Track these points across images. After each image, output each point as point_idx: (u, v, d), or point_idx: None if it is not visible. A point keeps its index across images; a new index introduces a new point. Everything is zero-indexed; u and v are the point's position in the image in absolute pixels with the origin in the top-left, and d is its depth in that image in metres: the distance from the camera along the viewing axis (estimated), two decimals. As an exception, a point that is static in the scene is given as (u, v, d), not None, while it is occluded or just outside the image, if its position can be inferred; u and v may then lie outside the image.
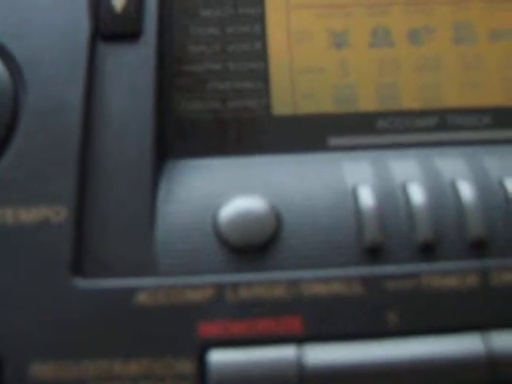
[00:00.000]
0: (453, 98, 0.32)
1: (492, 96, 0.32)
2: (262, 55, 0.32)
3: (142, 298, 0.26)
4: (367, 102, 0.32)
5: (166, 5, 0.33)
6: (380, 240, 0.27)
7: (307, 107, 0.32)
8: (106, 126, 0.29)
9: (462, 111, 0.32)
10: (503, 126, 0.32)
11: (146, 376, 0.25)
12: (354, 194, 0.28)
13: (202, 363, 0.26)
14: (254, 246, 0.27)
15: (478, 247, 0.27)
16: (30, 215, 0.27)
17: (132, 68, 0.31)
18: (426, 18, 0.33)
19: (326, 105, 0.32)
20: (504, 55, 0.33)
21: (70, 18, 0.31)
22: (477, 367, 0.25)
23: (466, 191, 0.28)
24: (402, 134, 0.31)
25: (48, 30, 0.31)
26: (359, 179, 0.29)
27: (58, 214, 0.27)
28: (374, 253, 0.27)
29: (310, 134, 0.31)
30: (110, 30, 0.31)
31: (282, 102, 0.32)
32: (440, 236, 0.27)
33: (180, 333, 0.26)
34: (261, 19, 0.33)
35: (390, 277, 0.26)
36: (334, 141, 0.31)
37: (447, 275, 0.27)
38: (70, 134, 0.29)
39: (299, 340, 0.26)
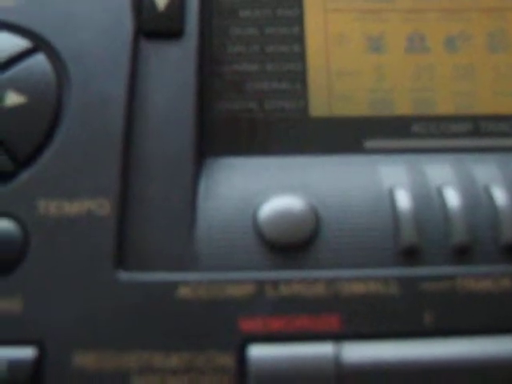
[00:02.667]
0: (486, 105, 0.33)
1: (525, 104, 0.33)
2: (300, 57, 0.33)
3: (183, 292, 0.27)
4: (402, 107, 0.33)
5: (207, 5, 0.34)
6: (416, 242, 0.28)
7: (343, 109, 0.33)
8: (148, 123, 0.31)
9: (495, 118, 0.33)
10: (535, 133, 0.33)
11: (187, 369, 0.26)
12: (391, 196, 0.29)
13: (241, 357, 0.27)
14: (294, 244, 0.28)
15: (511, 251, 0.28)
16: (73, 208, 0.29)
17: (174, 66, 0.32)
18: (462, 25, 0.34)
19: (361, 108, 0.33)
20: (537, 64, 0.34)
21: (113, 14, 0.32)
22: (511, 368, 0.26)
23: (500, 196, 0.29)
24: (436, 138, 0.32)
25: (92, 27, 0.32)
26: (395, 182, 0.30)
27: (101, 206, 0.28)
28: (411, 254, 0.28)
29: (347, 136, 0.32)
30: (152, 28, 0.32)
31: (319, 104, 0.33)
32: (474, 239, 0.28)
33: (220, 327, 0.27)
34: (299, 21, 0.34)
35: (426, 278, 0.28)
36: (369, 143, 0.32)
37: (481, 278, 0.28)
38: (113, 130, 0.30)
39: (337, 337, 0.27)
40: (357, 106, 0.33)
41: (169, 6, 0.32)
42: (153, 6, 0.32)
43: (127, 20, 0.32)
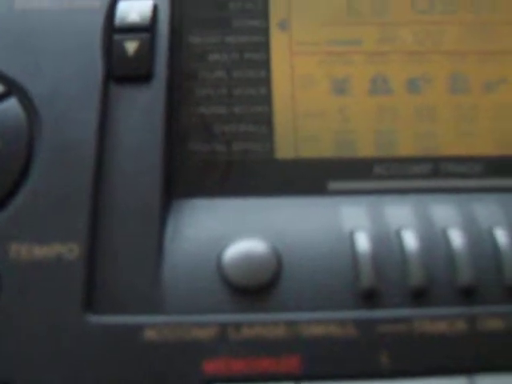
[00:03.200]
0: (447, 147, 0.35)
1: (484, 145, 0.35)
2: (267, 100, 0.35)
3: (149, 335, 0.29)
4: (365, 148, 0.34)
5: (176, 49, 0.35)
6: (374, 285, 0.29)
7: (308, 151, 0.34)
8: (118, 165, 0.32)
9: (455, 159, 0.34)
10: (494, 174, 0.34)
11: (152, 409, 0.28)
12: (351, 239, 0.31)
13: (205, 398, 0.28)
14: (256, 287, 0.29)
15: (467, 294, 0.30)
16: (43, 252, 0.30)
17: (143, 109, 0.33)
18: (424, 67, 0.36)
19: (326, 149, 0.34)
20: (496, 106, 0.36)
21: (84, 59, 0.34)
22: None
23: (457, 239, 0.31)
24: (397, 179, 0.34)
25: (63, 71, 0.33)
26: (356, 224, 0.31)
27: (71, 250, 0.30)
28: (369, 297, 0.29)
29: (311, 177, 0.34)
30: (122, 72, 0.34)
31: (285, 146, 0.34)
32: (431, 282, 0.30)
33: (185, 368, 0.28)
34: (266, 65, 0.36)
35: (383, 321, 0.29)
36: (333, 185, 0.34)
37: (437, 320, 0.29)
38: (83, 173, 0.31)
39: (297, 378, 0.28)
40: (321, 147, 0.34)
41: (138, 51, 0.34)
42: (123, 50, 0.34)
43: (98, 65, 0.33)
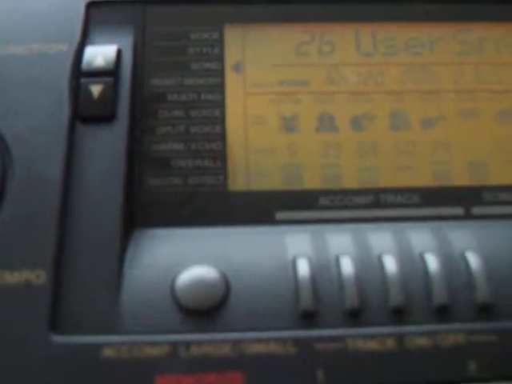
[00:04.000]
0: (387, 179, 0.39)
1: (422, 178, 0.39)
2: (221, 137, 0.39)
3: (107, 353, 0.32)
4: (312, 181, 0.38)
5: (138, 91, 0.39)
6: (312, 307, 0.33)
7: (259, 184, 0.38)
8: (82, 199, 0.36)
9: (394, 191, 0.38)
10: (430, 204, 0.38)
11: (109, 421, 0.31)
12: (294, 265, 0.35)
13: (156, 411, 0.32)
14: (205, 309, 0.33)
15: (397, 315, 0.34)
16: (13, 278, 0.34)
17: (106, 147, 0.37)
18: (367, 106, 0.40)
19: (275, 182, 0.38)
20: (434, 141, 0.40)
21: (53, 100, 0.38)
22: None
23: (390, 264, 0.35)
24: (340, 210, 0.38)
25: (34, 112, 0.37)
26: (299, 251, 0.35)
27: (38, 277, 0.34)
28: (307, 318, 0.33)
29: (260, 208, 0.38)
30: (87, 113, 0.38)
31: (237, 180, 0.38)
32: (365, 304, 0.34)
33: (140, 384, 0.32)
34: (221, 104, 0.39)
35: (320, 339, 0.33)
36: (280, 215, 0.37)
37: (369, 339, 0.33)
38: (50, 206, 0.35)
39: None
40: (271, 180, 0.38)
41: (102, 94, 0.38)
42: (88, 93, 0.38)
43: (65, 106, 0.37)
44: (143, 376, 0.32)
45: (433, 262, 0.34)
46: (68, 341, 0.32)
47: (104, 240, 0.34)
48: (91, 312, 0.33)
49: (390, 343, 0.33)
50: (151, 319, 0.33)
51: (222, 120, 0.39)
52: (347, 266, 0.34)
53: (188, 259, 0.35)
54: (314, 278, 0.34)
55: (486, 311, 0.34)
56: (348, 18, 0.42)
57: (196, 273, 0.34)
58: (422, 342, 0.33)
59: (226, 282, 0.34)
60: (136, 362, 0.32)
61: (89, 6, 0.41)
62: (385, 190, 0.38)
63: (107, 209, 0.35)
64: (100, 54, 0.39)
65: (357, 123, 0.39)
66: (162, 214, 0.37)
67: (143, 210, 0.37)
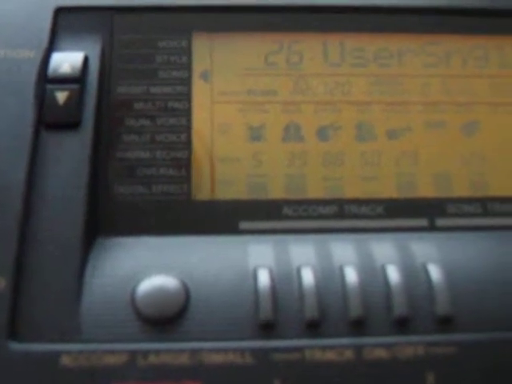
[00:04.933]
0: (351, 190, 0.39)
1: (386, 189, 0.39)
2: (187, 145, 0.39)
3: (65, 361, 0.32)
4: (276, 191, 0.39)
5: (104, 98, 0.40)
6: (272, 318, 0.33)
7: (224, 193, 0.38)
8: (45, 206, 0.36)
9: (359, 202, 0.39)
10: (394, 215, 0.39)
11: (65, 429, 0.32)
12: (254, 275, 0.35)
13: (113, 419, 0.32)
14: (165, 318, 0.33)
15: (357, 326, 0.34)
16: (-27, 284, 0.34)
17: (71, 154, 0.37)
18: (333, 116, 0.40)
19: (240, 192, 0.38)
20: (399, 152, 0.40)
21: (18, 106, 0.38)
22: None
23: (351, 275, 0.35)
24: (304, 220, 0.38)
25: (-2, 118, 0.37)
26: (260, 261, 0.36)
27: None
28: (266, 328, 0.34)
29: (224, 218, 0.38)
30: (52, 120, 0.38)
31: (202, 188, 0.38)
32: (325, 315, 0.34)
33: (96, 392, 0.32)
34: (187, 113, 0.40)
35: (278, 350, 0.33)
36: (244, 225, 0.38)
37: (328, 350, 0.33)
38: (12, 213, 0.35)
39: None
40: (236, 190, 0.38)
41: (68, 100, 0.38)
42: (54, 100, 0.38)
43: (30, 112, 0.37)
44: (100, 383, 0.32)
45: (394, 274, 0.35)
46: (26, 348, 0.32)
47: (66, 248, 0.35)
48: (50, 320, 0.33)
49: (348, 354, 0.33)
50: (110, 328, 0.33)
51: (188, 128, 0.39)
52: (308, 277, 0.34)
53: (149, 268, 0.35)
54: (274, 289, 0.34)
55: (445, 323, 0.34)
56: (317, 28, 0.42)
57: (156, 282, 0.34)
58: (381, 353, 0.33)
59: (186, 292, 0.34)
60: (93, 370, 0.32)
61: (57, 12, 0.41)
62: (349, 201, 0.38)
63: (70, 216, 0.35)
64: (67, 60, 0.39)
65: (323, 133, 0.40)
66: (126, 223, 0.37)
67: (107, 218, 0.37)
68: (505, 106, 0.41)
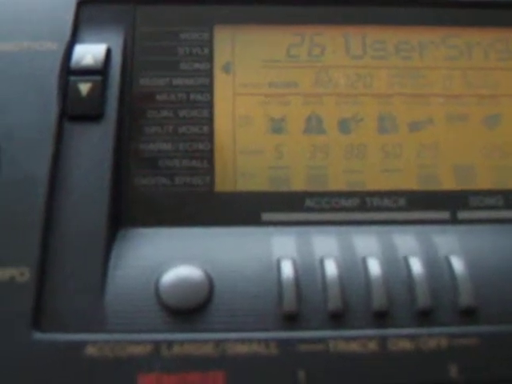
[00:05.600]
0: (373, 182, 0.39)
1: (408, 181, 0.39)
2: (209, 137, 0.39)
3: (90, 351, 0.33)
4: (298, 183, 0.39)
5: (127, 90, 0.40)
6: (296, 309, 0.34)
7: (246, 185, 0.39)
8: (68, 197, 0.36)
9: (381, 194, 0.39)
10: (416, 208, 0.39)
11: (91, 418, 0.32)
12: (278, 267, 0.35)
13: (138, 409, 0.32)
14: (189, 309, 0.34)
15: (380, 318, 0.34)
16: (-2, 275, 0.34)
17: (94, 146, 0.37)
18: (355, 109, 0.40)
19: (262, 184, 0.39)
20: (420, 144, 0.40)
21: (41, 98, 0.38)
22: None
23: (374, 267, 0.35)
24: (326, 212, 0.38)
25: (22, 110, 0.37)
26: (284, 253, 0.36)
27: (22, 274, 0.34)
28: (290, 320, 0.34)
29: (247, 209, 0.38)
30: (75, 112, 0.38)
31: (224, 180, 0.38)
32: (348, 307, 0.34)
33: (122, 382, 0.32)
34: (209, 105, 0.40)
35: (302, 341, 0.33)
36: (266, 216, 0.38)
37: (351, 341, 0.33)
38: (36, 205, 0.35)
39: None
40: (258, 182, 0.39)
41: (91, 92, 0.38)
42: (77, 91, 0.38)
43: (53, 104, 0.38)
44: (125, 374, 0.32)
45: (417, 266, 0.35)
46: (50, 338, 0.32)
47: (89, 239, 0.35)
48: (75, 310, 0.33)
49: (372, 346, 0.33)
50: (135, 318, 0.33)
51: (210, 120, 0.39)
52: (331, 269, 0.34)
53: (173, 259, 0.35)
54: (297, 280, 0.34)
55: (468, 315, 0.34)
56: (338, 20, 0.42)
57: (180, 273, 0.34)
58: (405, 344, 0.33)
59: (209, 283, 0.34)
60: (118, 360, 0.32)
61: (79, 5, 0.41)
62: (371, 193, 0.38)
63: (93, 208, 0.36)
64: (89, 52, 0.39)
65: (345, 125, 0.40)
66: (149, 214, 0.37)
67: (130, 209, 0.37)
68: (526, 98, 0.41)
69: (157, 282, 0.34)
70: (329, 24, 0.42)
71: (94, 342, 0.32)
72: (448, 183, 0.39)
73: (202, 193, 0.38)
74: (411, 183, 0.39)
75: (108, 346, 0.32)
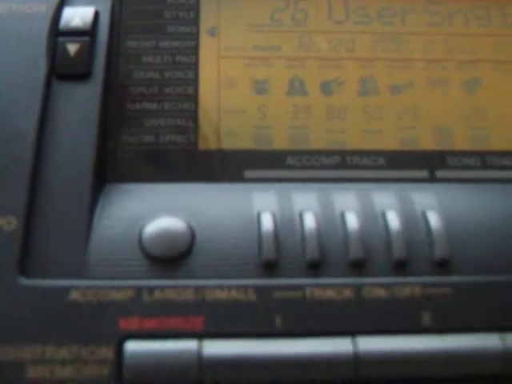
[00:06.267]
0: (354, 142, 0.40)
1: (388, 141, 0.40)
2: (194, 98, 0.41)
3: (74, 296, 0.34)
4: (280, 142, 0.40)
5: (114, 51, 0.41)
6: (274, 258, 0.35)
7: (229, 144, 0.40)
8: (56, 152, 0.37)
9: (360, 153, 0.40)
10: (395, 167, 0.40)
11: (73, 360, 0.33)
12: (258, 219, 0.36)
13: (119, 351, 0.33)
14: (170, 258, 0.35)
15: (356, 267, 0.35)
16: (-15, 223, 0.35)
17: (81, 104, 0.39)
18: (337, 72, 0.42)
19: (245, 142, 0.40)
20: (401, 107, 0.41)
21: (30, 58, 0.39)
22: (344, 366, 0.33)
23: (352, 220, 0.36)
24: (307, 169, 0.39)
25: (10, 68, 0.39)
26: (264, 207, 0.37)
27: (9, 223, 0.35)
28: (269, 268, 0.35)
29: (230, 167, 0.39)
30: (63, 71, 0.39)
31: (208, 139, 0.40)
32: (325, 257, 0.35)
33: (103, 325, 0.33)
34: (195, 67, 0.41)
35: (279, 288, 0.34)
36: (249, 174, 0.39)
37: (327, 288, 0.35)
38: (24, 158, 0.37)
39: (201, 336, 0.34)
40: (241, 140, 0.40)
41: (79, 52, 0.39)
42: (65, 51, 0.39)
43: (42, 63, 0.39)
44: (107, 318, 0.33)
45: (394, 220, 0.36)
46: (36, 284, 0.34)
47: (75, 191, 0.36)
48: (60, 258, 0.35)
49: (347, 293, 0.34)
50: (118, 266, 0.34)
51: (195, 82, 0.40)
52: (310, 221, 0.36)
53: (156, 211, 0.36)
54: (277, 231, 0.35)
55: (442, 266, 0.35)
56: (322, -13, 0.43)
57: (163, 223, 0.35)
58: (379, 292, 0.34)
59: (191, 233, 0.35)
60: (101, 305, 0.33)
61: (69, -31, 0.42)
62: (351, 152, 0.40)
63: (80, 162, 0.37)
64: (78, 14, 0.40)
65: (327, 88, 0.41)
66: (134, 170, 0.39)
67: (115, 165, 0.39)
68: (506, 63, 0.42)
69: (140, 231, 0.35)
70: (313, -10, 0.43)
71: (78, 288, 0.34)
72: (427, 144, 0.40)
73: (186, 150, 0.39)
74: (391, 143, 0.40)
75: (91, 292, 0.34)
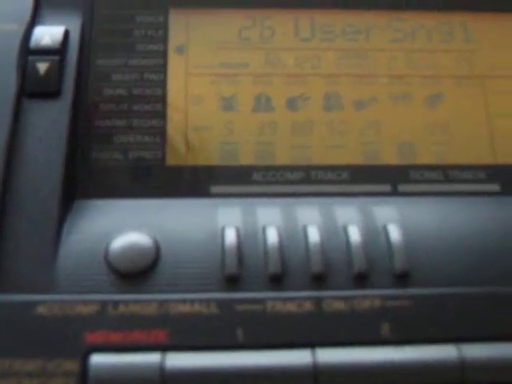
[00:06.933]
0: (319, 157, 0.41)
1: (352, 156, 0.42)
2: (162, 114, 0.42)
3: (41, 310, 0.35)
4: (246, 157, 0.41)
5: (84, 70, 0.42)
6: (236, 272, 0.36)
7: (196, 160, 0.41)
8: (25, 169, 0.38)
9: (324, 168, 0.41)
10: (358, 181, 0.41)
11: (40, 373, 0.34)
12: (222, 234, 0.37)
13: (85, 364, 0.34)
14: (135, 272, 0.36)
15: (317, 281, 0.36)
16: (-45, 240, 0.36)
17: (50, 122, 0.40)
18: (303, 88, 0.43)
19: (212, 158, 0.41)
20: (365, 122, 0.42)
21: (1, 77, 0.40)
22: (304, 378, 0.34)
23: (314, 234, 0.37)
24: (272, 185, 0.40)
25: (-18, 87, 0.40)
26: (228, 221, 0.38)
27: None
28: (231, 282, 0.36)
29: (197, 182, 0.40)
30: (33, 89, 0.40)
31: (175, 155, 0.41)
32: (287, 270, 0.36)
33: (69, 339, 0.35)
34: (163, 84, 0.42)
35: (241, 301, 0.35)
36: (215, 189, 0.40)
37: (288, 302, 0.36)
38: None
39: (164, 349, 0.35)
40: (208, 156, 0.41)
41: (48, 71, 0.41)
42: (35, 70, 0.41)
43: (12, 82, 0.40)
44: (73, 332, 0.34)
45: (355, 233, 0.37)
46: (3, 299, 0.35)
47: (45, 208, 0.37)
48: (27, 273, 0.36)
49: (307, 306, 0.35)
50: (84, 281, 0.35)
51: (163, 99, 0.42)
52: (272, 235, 0.37)
53: (123, 227, 0.37)
54: (240, 246, 0.36)
55: (402, 279, 0.36)
56: (288, 4, 0.44)
57: (129, 238, 0.36)
58: (339, 305, 0.35)
59: (156, 248, 0.36)
60: (67, 318, 0.34)
61: (40, -11, 0.43)
62: (315, 167, 0.41)
63: (49, 179, 0.38)
64: (48, 33, 0.42)
65: (292, 104, 0.42)
66: (103, 187, 0.40)
67: (84, 182, 0.40)
68: (468, 79, 0.44)
69: (106, 247, 0.36)
70: (279, 8, 0.44)
71: (44, 302, 0.35)
72: (390, 158, 0.41)
73: (153, 166, 0.40)
74: (355, 158, 0.41)
75: (57, 306, 0.35)
